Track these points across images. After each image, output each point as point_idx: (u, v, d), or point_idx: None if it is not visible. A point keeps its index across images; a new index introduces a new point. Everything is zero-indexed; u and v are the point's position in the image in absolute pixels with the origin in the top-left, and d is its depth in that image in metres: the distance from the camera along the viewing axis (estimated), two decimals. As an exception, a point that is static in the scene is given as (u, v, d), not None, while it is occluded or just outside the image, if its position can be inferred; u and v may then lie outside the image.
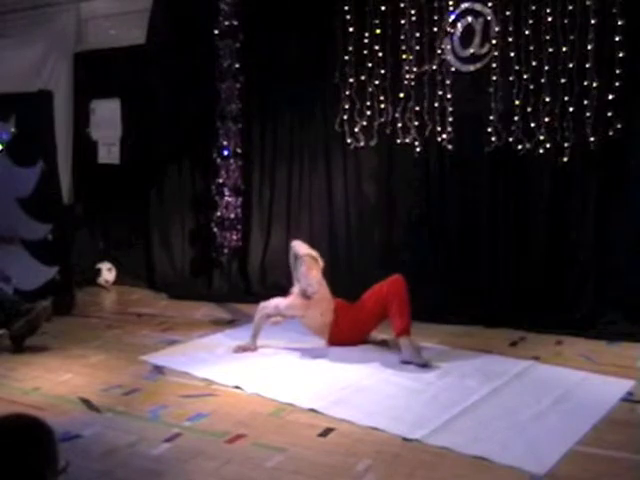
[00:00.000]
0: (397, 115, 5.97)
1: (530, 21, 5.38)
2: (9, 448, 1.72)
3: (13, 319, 5.02)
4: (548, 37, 5.32)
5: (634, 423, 3.60)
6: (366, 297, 4.95)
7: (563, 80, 5.30)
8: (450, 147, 5.79)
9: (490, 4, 5.55)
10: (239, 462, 3.17)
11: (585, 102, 5.23)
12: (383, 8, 5.93)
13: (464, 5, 5.69)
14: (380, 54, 5.99)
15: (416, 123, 5.90)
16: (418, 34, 5.83)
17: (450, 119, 5.76)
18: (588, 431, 3.44)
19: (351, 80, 6.12)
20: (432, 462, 3.15)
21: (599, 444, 3.29)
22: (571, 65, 5.26)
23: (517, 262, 5.58)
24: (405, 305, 4.71)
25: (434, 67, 5.80)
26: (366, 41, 6.02)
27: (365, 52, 6.04)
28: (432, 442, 3.33)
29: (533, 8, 5.36)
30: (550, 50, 5.33)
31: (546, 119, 5.38)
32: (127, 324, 5.80)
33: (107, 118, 7.61)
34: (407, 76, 5.90)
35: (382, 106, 6.04)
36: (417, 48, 5.85)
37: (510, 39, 5.47)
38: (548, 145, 5.39)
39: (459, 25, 5.72)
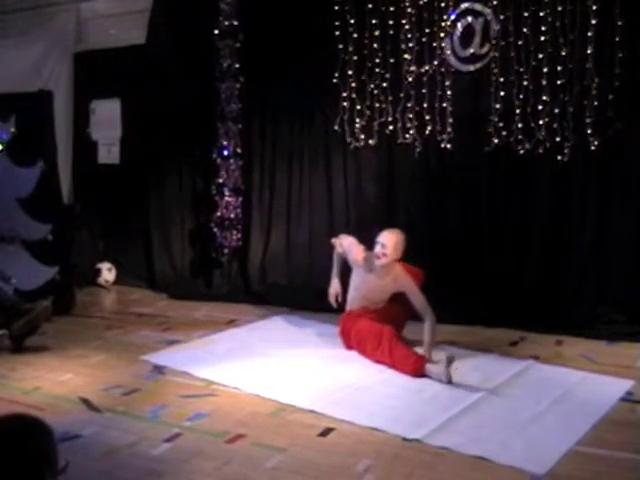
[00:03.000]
0: (397, 115, 5.97)
1: (530, 21, 5.38)
2: (8, 448, 1.72)
3: (13, 319, 5.02)
4: (548, 37, 5.32)
5: (634, 423, 3.60)
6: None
7: (563, 80, 5.30)
8: (450, 147, 5.79)
9: (490, 4, 5.55)
10: (239, 462, 3.17)
11: (585, 102, 5.23)
12: (383, 8, 5.93)
13: (464, 5, 5.69)
14: (380, 54, 5.99)
15: (416, 123, 5.90)
16: (418, 34, 5.83)
17: (450, 119, 5.76)
18: (588, 431, 3.45)
19: (351, 80, 6.12)
20: (432, 462, 3.15)
21: (599, 444, 3.30)
22: (571, 65, 5.26)
23: (517, 262, 5.58)
24: (394, 352, 4.43)
25: (434, 67, 5.80)
26: (366, 41, 6.02)
27: (365, 52, 6.04)
28: (432, 442, 3.33)
29: (533, 8, 5.36)
30: (550, 50, 5.33)
31: (546, 119, 5.38)
32: (127, 324, 5.80)
33: (107, 118, 7.61)
34: (407, 76, 5.91)
35: (382, 106, 6.04)
36: (417, 48, 5.85)
37: (510, 39, 5.47)
38: (548, 145, 5.39)
39: (459, 25, 5.72)
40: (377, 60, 6.01)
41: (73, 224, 7.20)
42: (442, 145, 5.81)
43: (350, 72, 6.11)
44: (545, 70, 5.36)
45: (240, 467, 3.12)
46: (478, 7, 5.63)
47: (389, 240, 4.74)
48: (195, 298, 6.62)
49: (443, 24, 5.75)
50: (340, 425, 3.57)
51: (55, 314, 5.44)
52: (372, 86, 6.06)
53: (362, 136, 6.15)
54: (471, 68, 5.71)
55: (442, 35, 5.76)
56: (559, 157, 5.36)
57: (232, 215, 6.81)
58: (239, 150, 6.79)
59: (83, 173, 7.73)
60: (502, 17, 5.50)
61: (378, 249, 4.75)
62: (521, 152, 5.49)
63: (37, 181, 6.21)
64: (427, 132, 5.86)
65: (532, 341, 5.06)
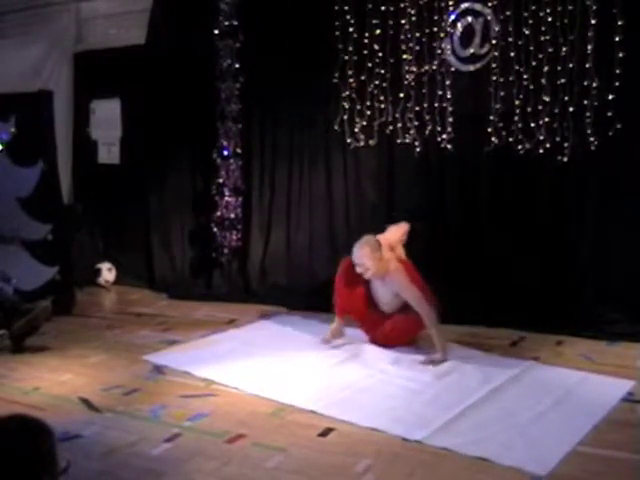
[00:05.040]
0: (397, 115, 5.97)
1: (530, 21, 5.38)
2: (7, 449, 1.72)
3: (13, 319, 5.02)
4: (548, 37, 5.32)
5: (634, 423, 3.60)
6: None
7: (563, 80, 5.30)
8: (450, 147, 5.79)
9: (490, 4, 5.55)
10: (239, 462, 3.17)
11: (585, 102, 5.23)
12: (383, 8, 5.93)
13: (464, 5, 5.68)
14: (380, 54, 5.98)
15: (416, 123, 5.89)
16: (418, 34, 5.83)
17: (450, 119, 5.75)
18: (589, 431, 3.45)
19: (351, 80, 6.12)
20: (432, 462, 3.15)
21: (599, 444, 3.30)
22: (571, 65, 5.26)
23: (517, 262, 5.57)
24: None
25: (434, 67, 5.80)
26: (366, 41, 6.02)
27: (365, 52, 6.03)
28: (432, 443, 3.33)
29: (533, 8, 5.36)
30: (550, 50, 5.33)
31: (546, 119, 5.38)
32: (127, 324, 5.80)
33: (107, 118, 7.61)
34: (407, 76, 5.90)
35: (382, 106, 6.04)
36: (417, 48, 5.84)
37: (510, 39, 5.47)
38: (548, 145, 5.39)
39: (459, 25, 5.71)
40: (377, 60, 6.00)
41: (73, 224, 7.20)
42: (442, 145, 5.81)
43: (350, 72, 6.11)
44: (545, 70, 5.36)
45: (240, 467, 3.12)
46: (478, 7, 5.63)
47: (360, 257, 4.69)
48: (195, 298, 6.62)
49: (443, 24, 5.75)
50: (340, 425, 3.57)
51: (55, 314, 5.44)
52: (372, 86, 6.05)
53: (362, 136, 6.15)
54: (471, 68, 5.70)
55: (442, 35, 5.76)
56: (559, 157, 5.36)
57: (232, 215, 6.81)
58: (239, 150, 6.79)
59: (83, 173, 7.73)
60: (502, 17, 5.49)
61: (358, 270, 4.72)
62: (521, 152, 5.48)
63: (37, 181, 6.20)
64: (427, 132, 5.86)
65: (532, 341, 5.06)
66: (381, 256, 4.70)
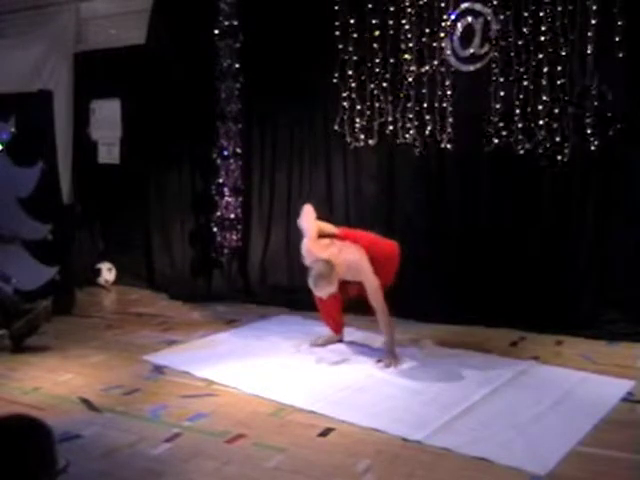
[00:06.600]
0: (397, 115, 5.97)
1: (530, 21, 5.38)
2: (6, 449, 1.72)
3: (13, 319, 5.02)
4: (548, 37, 5.32)
5: (634, 423, 3.60)
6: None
7: (563, 80, 5.30)
8: (450, 147, 5.79)
9: (490, 4, 5.55)
10: (239, 462, 3.17)
11: (585, 102, 5.23)
12: (383, 8, 5.93)
13: (464, 5, 5.68)
14: (380, 54, 5.99)
15: (416, 123, 5.90)
16: (418, 34, 5.83)
17: (450, 119, 5.75)
18: (588, 431, 3.44)
19: (351, 80, 6.12)
20: (432, 462, 3.15)
21: (599, 444, 3.29)
22: (571, 65, 5.26)
23: (517, 262, 5.57)
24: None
25: (434, 67, 5.80)
26: (366, 41, 6.02)
27: (365, 52, 6.04)
28: (432, 443, 3.32)
29: (533, 8, 5.36)
30: (550, 50, 5.33)
31: (546, 119, 5.38)
32: (127, 324, 5.81)
33: (107, 118, 7.61)
34: (407, 76, 5.90)
35: (382, 106, 6.04)
36: (417, 48, 5.85)
37: (510, 39, 5.46)
38: (548, 145, 5.39)
39: (459, 25, 5.71)
40: (377, 60, 6.01)
41: (73, 224, 7.20)
42: (442, 145, 5.81)
43: (350, 72, 6.11)
44: (545, 70, 5.36)
45: (240, 467, 3.12)
46: (478, 7, 5.62)
47: (326, 291, 4.49)
48: (195, 298, 6.62)
49: (443, 24, 5.75)
50: (340, 425, 3.57)
51: (55, 314, 5.44)
52: (372, 86, 6.05)
53: (362, 136, 6.15)
54: (471, 68, 5.70)
55: (442, 35, 5.76)
56: (559, 157, 5.36)
57: (232, 215, 6.81)
58: (239, 150, 6.80)
59: (83, 173, 7.74)
60: (502, 17, 5.49)
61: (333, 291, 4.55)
62: (521, 152, 5.48)
63: (37, 181, 6.20)
64: (427, 132, 5.86)
65: (532, 341, 5.06)
66: (336, 272, 4.47)
